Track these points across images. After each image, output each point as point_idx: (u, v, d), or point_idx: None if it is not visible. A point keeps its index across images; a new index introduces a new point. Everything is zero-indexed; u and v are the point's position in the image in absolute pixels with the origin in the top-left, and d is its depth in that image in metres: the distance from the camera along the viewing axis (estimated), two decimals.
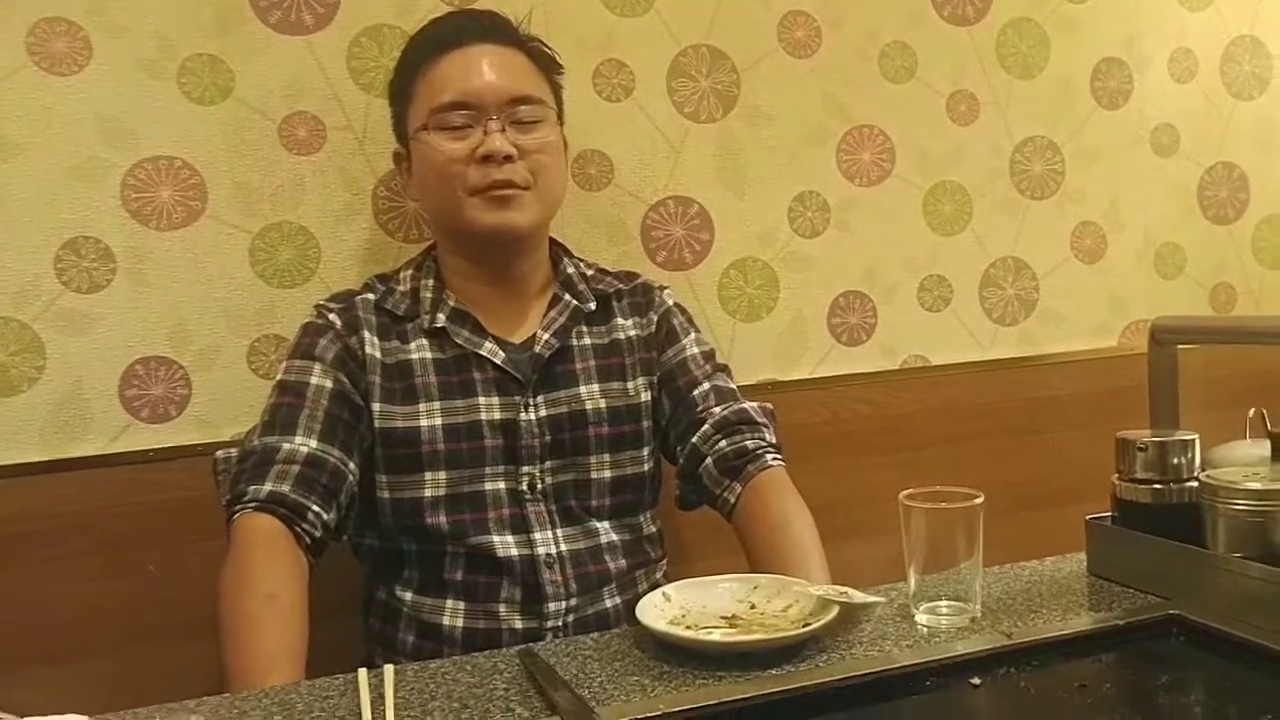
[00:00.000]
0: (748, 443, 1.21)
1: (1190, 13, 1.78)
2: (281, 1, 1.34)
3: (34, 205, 1.27)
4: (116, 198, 1.30)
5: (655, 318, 1.29)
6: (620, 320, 1.27)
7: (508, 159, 1.15)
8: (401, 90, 1.24)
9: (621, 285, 1.30)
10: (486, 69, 1.18)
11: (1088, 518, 1.01)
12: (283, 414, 1.13)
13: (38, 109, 1.26)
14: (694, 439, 1.23)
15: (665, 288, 1.34)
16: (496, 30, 1.22)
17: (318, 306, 1.22)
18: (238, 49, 1.33)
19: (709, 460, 1.21)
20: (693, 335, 1.30)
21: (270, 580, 1.02)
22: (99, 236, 1.29)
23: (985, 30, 1.67)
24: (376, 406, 1.16)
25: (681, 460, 1.25)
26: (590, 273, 1.30)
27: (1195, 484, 0.93)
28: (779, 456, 1.22)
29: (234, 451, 1.14)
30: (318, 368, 1.16)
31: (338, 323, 1.18)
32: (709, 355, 1.29)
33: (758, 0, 1.55)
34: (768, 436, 1.23)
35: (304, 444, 1.11)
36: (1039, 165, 1.71)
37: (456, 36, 1.20)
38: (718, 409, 1.23)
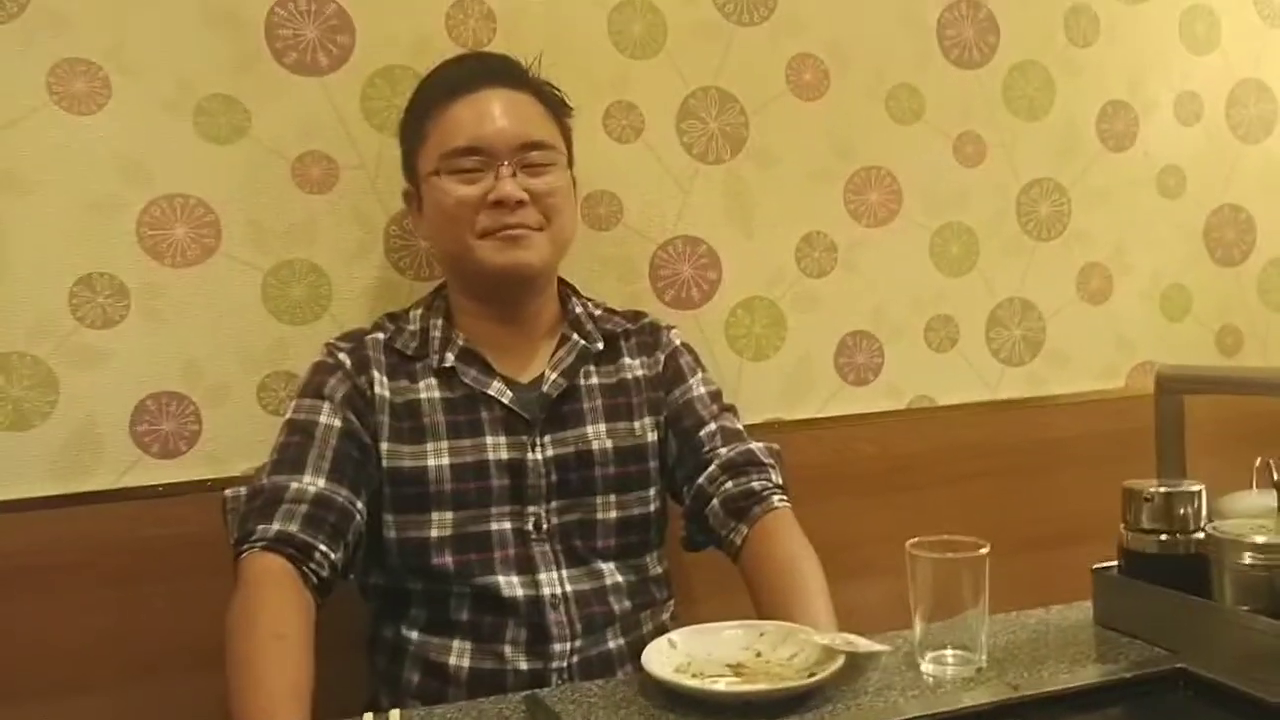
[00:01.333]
0: (754, 484, 1.21)
1: (1196, 56, 1.80)
2: (298, 43, 1.36)
3: (51, 241, 1.28)
4: (132, 234, 1.31)
5: (662, 357, 1.29)
6: (628, 360, 1.27)
7: (519, 204, 1.16)
8: (413, 131, 1.24)
9: (629, 325, 1.30)
10: (498, 114, 1.19)
11: (1094, 567, 1.01)
12: (291, 453, 1.14)
13: (56, 147, 1.28)
14: (700, 480, 1.23)
15: (673, 327, 1.35)
16: (508, 74, 1.23)
17: (328, 345, 1.22)
18: (254, 89, 1.35)
19: (715, 501, 1.21)
20: (699, 375, 1.30)
21: (278, 620, 1.02)
22: (114, 273, 1.31)
23: (992, 73, 1.68)
24: (384, 446, 1.16)
25: (688, 501, 1.25)
26: (598, 312, 1.30)
27: (1202, 535, 0.93)
28: (785, 498, 1.22)
29: (243, 490, 1.14)
30: (326, 406, 1.16)
31: (347, 362, 1.19)
32: (716, 395, 1.30)
33: (766, 43, 1.57)
34: (774, 477, 1.23)
35: (312, 483, 1.11)
36: (1046, 206, 1.73)
37: (469, 81, 1.21)
38: (724, 450, 1.23)
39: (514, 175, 1.17)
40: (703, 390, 1.29)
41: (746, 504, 1.20)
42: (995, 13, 1.68)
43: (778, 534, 1.18)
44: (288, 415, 1.18)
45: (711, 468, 1.23)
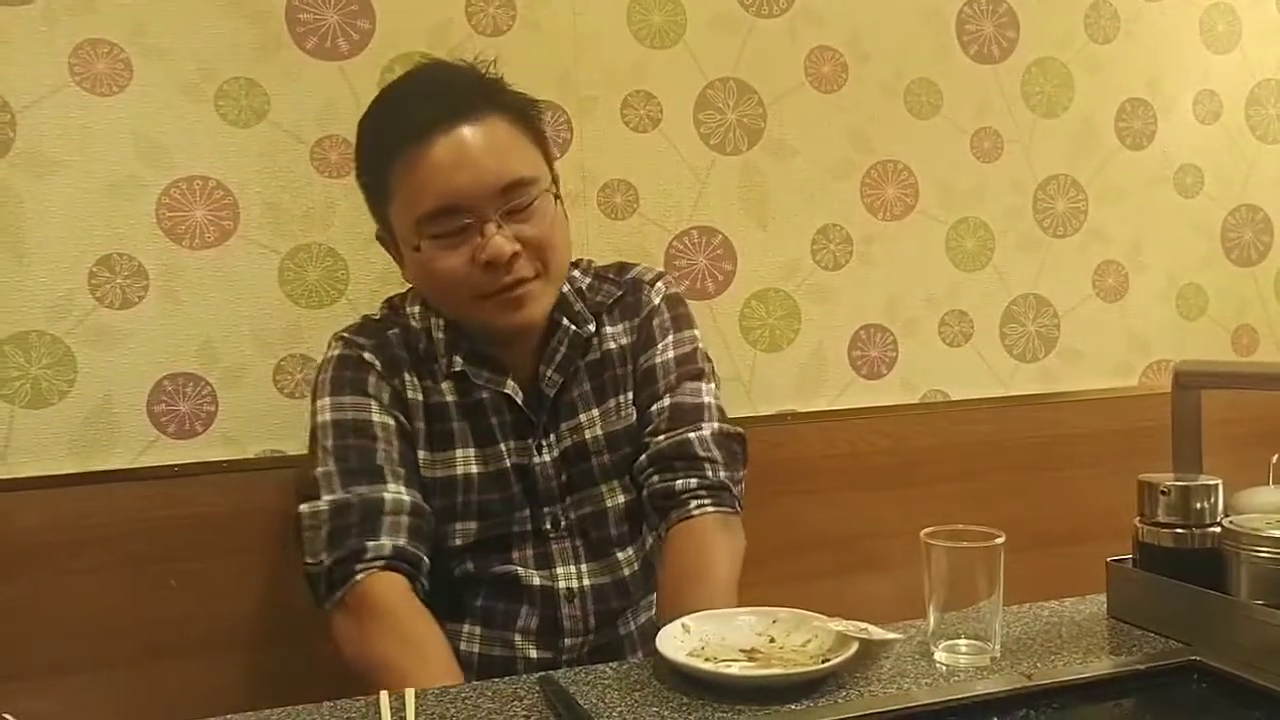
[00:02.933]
0: (676, 483, 1.11)
1: (1215, 55, 1.79)
2: (318, 28, 1.37)
3: (71, 222, 1.29)
4: (151, 216, 1.32)
5: (639, 322, 1.20)
6: (609, 329, 1.19)
7: (514, 255, 1.06)
8: (376, 183, 1.10)
9: (616, 291, 1.21)
10: (470, 159, 1.04)
11: (1109, 560, 1.00)
12: (358, 459, 1.07)
13: (77, 128, 1.29)
14: (634, 467, 1.16)
15: (659, 279, 1.23)
16: (466, 103, 1.06)
17: (345, 340, 1.14)
18: (274, 73, 1.35)
19: (645, 493, 1.15)
20: (670, 337, 1.19)
21: (444, 648, 1.00)
22: (133, 254, 1.32)
23: (1010, 69, 1.68)
24: (421, 454, 1.12)
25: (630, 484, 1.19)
26: (587, 281, 1.21)
27: (1218, 529, 0.93)
28: (707, 502, 1.10)
29: (323, 505, 1.05)
30: (375, 405, 1.10)
31: (377, 363, 1.12)
32: (684, 359, 1.18)
33: (785, 35, 1.56)
34: (710, 474, 1.12)
35: (400, 491, 1.06)
36: (1062, 203, 1.72)
37: (427, 125, 1.04)
38: (662, 437, 1.14)
39: (500, 227, 1.05)
40: (669, 355, 1.18)
41: (665, 505, 1.12)
42: (1015, 8, 1.67)
43: (683, 546, 1.09)
44: (328, 415, 1.09)
45: (642, 458, 1.14)
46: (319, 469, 1.08)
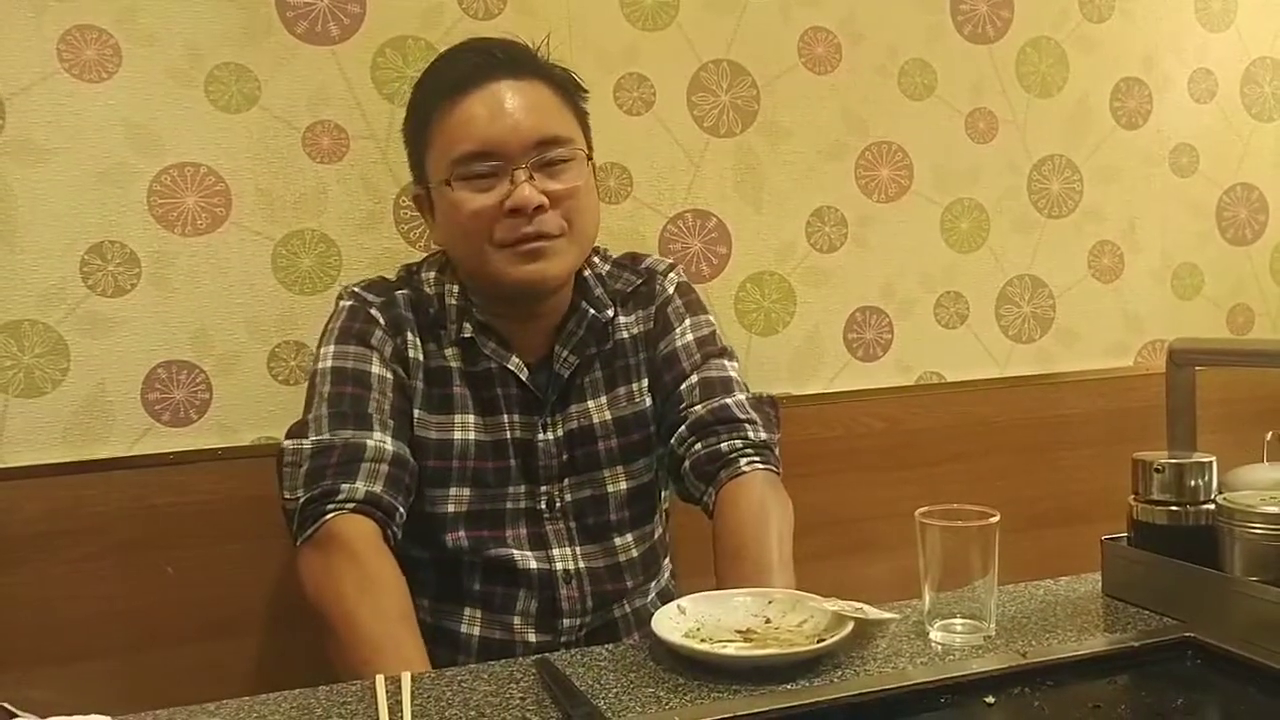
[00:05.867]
0: (722, 445, 1.13)
1: (1210, 33, 1.79)
2: (308, 13, 1.36)
3: (62, 210, 1.29)
4: (143, 203, 1.32)
5: (654, 310, 1.22)
6: (622, 319, 1.21)
7: (539, 209, 1.07)
8: (418, 134, 1.14)
9: (635, 279, 1.23)
10: (509, 110, 1.08)
11: (1103, 538, 1.00)
12: (350, 405, 1.08)
13: (67, 115, 1.28)
14: (673, 440, 1.17)
15: (672, 268, 1.25)
16: (515, 62, 1.11)
17: (354, 294, 1.15)
18: (265, 59, 1.35)
19: (686, 464, 1.15)
20: (688, 321, 1.22)
21: (401, 598, 1.01)
22: (124, 241, 1.31)
23: (1005, 49, 1.67)
24: (416, 412, 1.13)
25: (667, 460, 1.20)
26: (606, 269, 1.23)
27: (1212, 506, 0.93)
28: (755, 459, 1.13)
29: (306, 443, 1.08)
30: (375, 357, 1.11)
31: (382, 319, 1.13)
32: (705, 340, 1.21)
33: (779, 16, 1.56)
34: (751, 434, 1.15)
35: (384, 440, 1.07)
36: (1057, 184, 1.72)
37: (472, 75, 1.09)
38: (699, 407, 1.16)
39: (531, 178, 1.07)
40: (690, 338, 1.20)
41: (712, 468, 1.13)
42: None
43: (739, 502, 1.10)
44: (329, 362, 1.11)
45: (682, 429, 1.16)
46: (310, 413, 1.10)
